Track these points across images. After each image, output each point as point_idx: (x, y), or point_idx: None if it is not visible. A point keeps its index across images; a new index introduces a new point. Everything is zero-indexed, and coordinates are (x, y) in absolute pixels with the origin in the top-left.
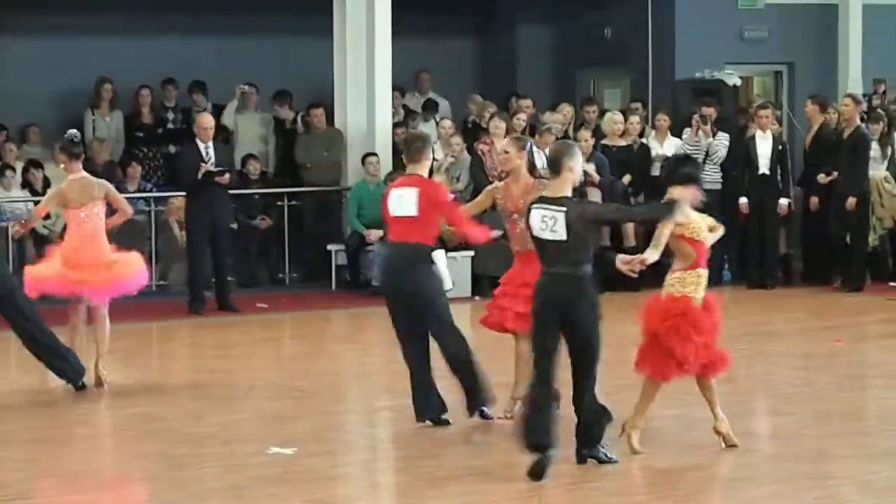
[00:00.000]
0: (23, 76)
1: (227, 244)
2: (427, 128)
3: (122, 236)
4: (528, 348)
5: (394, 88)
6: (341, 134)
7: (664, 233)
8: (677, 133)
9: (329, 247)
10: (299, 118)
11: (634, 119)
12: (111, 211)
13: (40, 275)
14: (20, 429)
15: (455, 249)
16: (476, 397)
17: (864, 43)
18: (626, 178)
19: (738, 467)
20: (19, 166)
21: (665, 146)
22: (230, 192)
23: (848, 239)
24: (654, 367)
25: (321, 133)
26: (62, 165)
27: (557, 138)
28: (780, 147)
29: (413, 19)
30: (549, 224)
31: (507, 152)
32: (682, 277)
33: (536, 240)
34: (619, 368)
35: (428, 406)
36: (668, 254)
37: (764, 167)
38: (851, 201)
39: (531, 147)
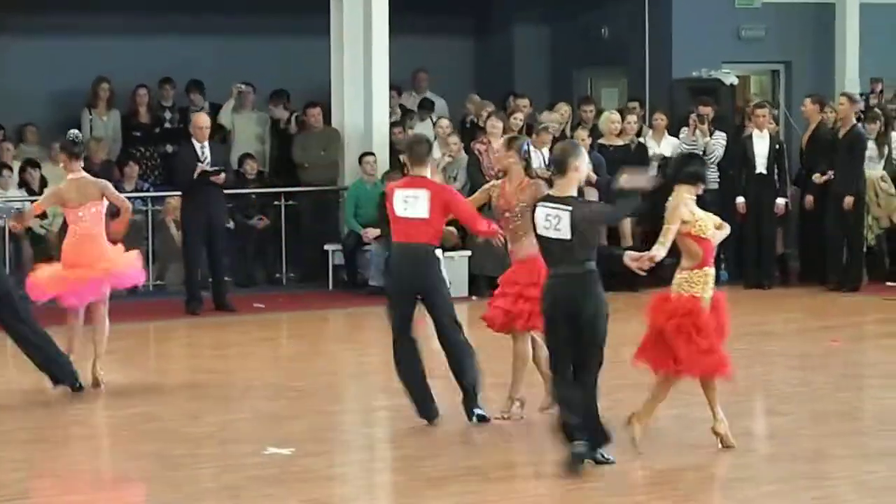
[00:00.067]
0: (20, 75)
1: (223, 244)
2: (423, 127)
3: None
4: (525, 349)
5: (391, 88)
6: (338, 133)
7: (671, 229)
8: (674, 132)
9: (326, 246)
10: (293, 118)
11: (632, 118)
12: (112, 211)
13: (42, 280)
14: (17, 429)
15: (452, 249)
16: (471, 399)
17: (861, 42)
18: None
19: (736, 467)
20: (16, 166)
21: (662, 145)
22: (227, 191)
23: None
24: (653, 360)
25: (318, 132)
26: (62, 165)
27: (555, 138)
28: (777, 146)
29: (410, 19)
30: (554, 223)
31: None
32: (689, 277)
33: (541, 238)
34: (618, 368)
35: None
36: (671, 253)
37: (761, 166)
38: (849, 200)
39: (527, 146)
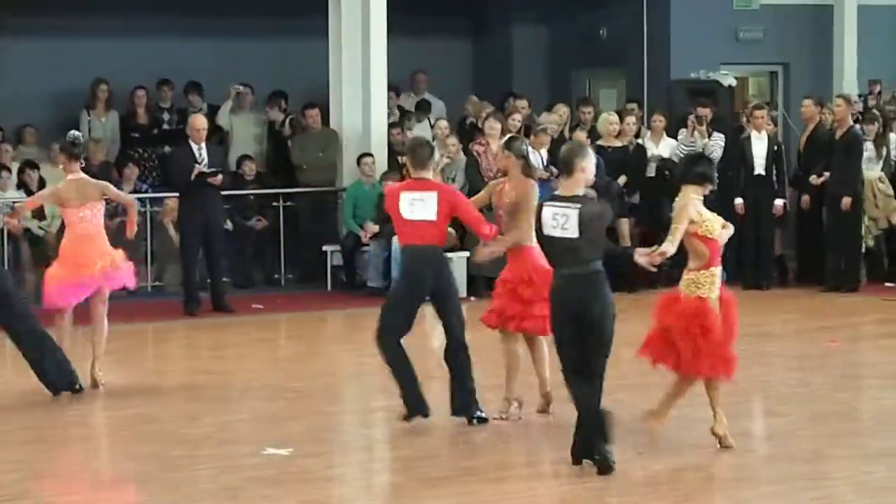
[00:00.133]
0: (19, 77)
1: (220, 245)
2: (421, 128)
3: (118, 236)
4: (514, 349)
5: (389, 89)
6: (336, 134)
7: (679, 229)
8: (673, 134)
9: (325, 247)
10: (287, 121)
11: (630, 120)
12: (111, 212)
13: (52, 288)
14: (16, 429)
15: (451, 250)
16: (468, 404)
17: (860, 44)
18: (622, 179)
19: (735, 468)
20: (15, 167)
21: (661, 147)
22: (225, 192)
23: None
24: (655, 355)
25: (316, 134)
26: (61, 166)
27: (553, 139)
28: (776, 147)
29: (408, 20)
30: (561, 221)
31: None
32: (696, 278)
33: (547, 238)
34: (618, 368)
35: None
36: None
37: (759, 168)
38: (846, 201)
39: (526, 147)
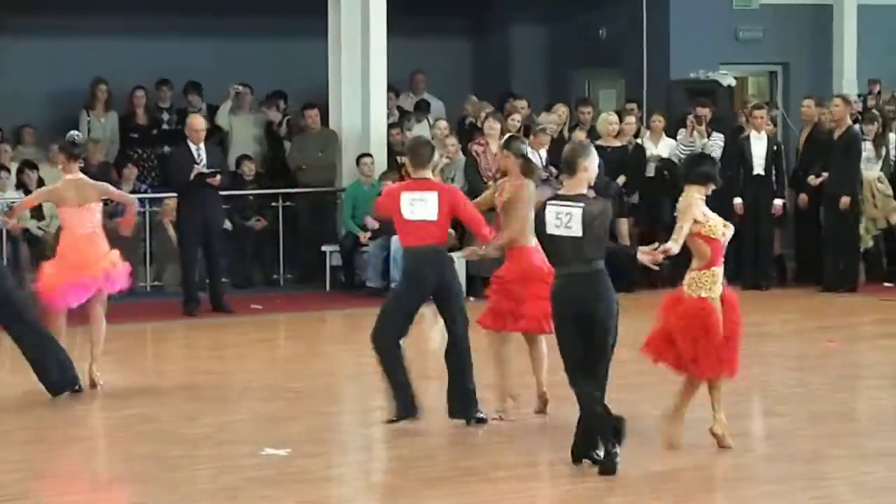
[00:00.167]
0: (18, 77)
1: (219, 245)
2: (420, 128)
3: (118, 236)
4: (499, 349)
5: (388, 89)
6: (336, 135)
7: (683, 228)
8: (672, 134)
9: (324, 248)
10: (284, 121)
11: (629, 120)
12: (110, 211)
13: (53, 289)
14: (15, 429)
15: (451, 250)
16: (468, 405)
17: (859, 43)
18: (621, 179)
19: (735, 468)
20: (14, 167)
21: (660, 147)
22: (225, 192)
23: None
24: (656, 352)
25: (316, 134)
26: (60, 166)
27: (552, 139)
28: (775, 147)
29: (408, 20)
30: (564, 220)
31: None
32: (697, 278)
33: (549, 237)
34: (618, 369)
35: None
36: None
37: (758, 168)
38: (845, 200)
39: (526, 148)
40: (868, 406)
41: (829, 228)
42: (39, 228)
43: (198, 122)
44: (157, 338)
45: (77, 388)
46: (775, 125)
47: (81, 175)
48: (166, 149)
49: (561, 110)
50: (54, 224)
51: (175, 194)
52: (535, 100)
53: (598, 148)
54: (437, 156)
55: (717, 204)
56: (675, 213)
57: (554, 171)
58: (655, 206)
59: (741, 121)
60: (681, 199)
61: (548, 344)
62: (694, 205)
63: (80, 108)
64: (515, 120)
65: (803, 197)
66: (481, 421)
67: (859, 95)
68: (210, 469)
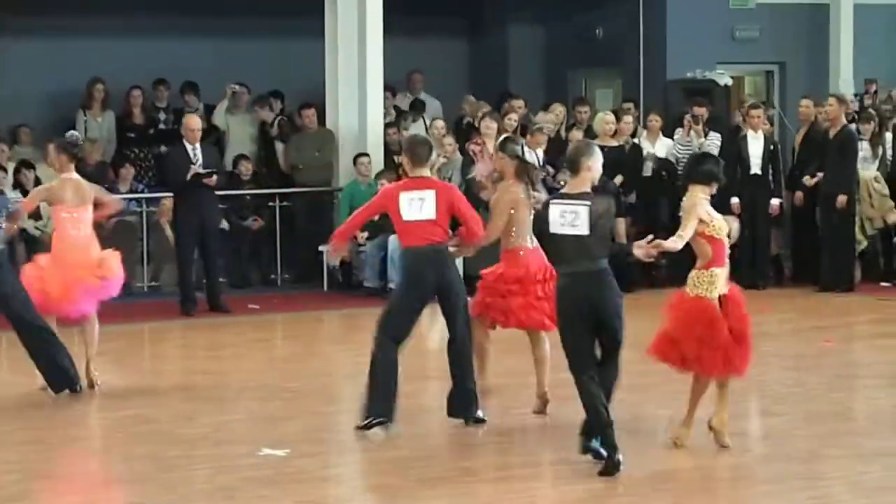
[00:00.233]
0: (14, 76)
1: (216, 245)
2: (416, 128)
3: (115, 236)
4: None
5: (385, 89)
6: (333, 134)
7: (688, 227)
8: (669, 133)
9: (321, 247)
10: (276, 122)
11: (626, 119)
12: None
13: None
14: (12, 430)
15: None
16: (468, 405)
17: (856, 43)
18: (618, 179)
19: (732, 467)
20: (11, 167)
21: (657, 146)
22: (221, 192)
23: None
24: (661, 353)
25: (313, 133)
26: (57, 165)
27: (550, 138)
28: (772, 147)
29: (404, 20)
30: (570, 219)
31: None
32: (697, 277)
33: (554, 237)
34: None
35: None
36: (666, 256)
37: (755, 167)
38: (841, 199)
39: (521, 149)
40: (865, 406)
41: (826, 228)
42: (37, 228)
43: (193, 122)
44: (155, 338)
45: (77, 388)
46: (772, 125)
47: (77, 175)
48: (163, 148)
49: (558, 110)
50: (51, 224)
51: (172, 194)
52: (532, 99)
53: None
54: (434, 155)
55: (715, 203)
56: (680, 213)
57: (551, 170)
58: (653, 205)
59: (738, 120)
60: (685, 198)
61: (549, 343)
62: (699, 204)
63: (77, 107)
64: (512, 119)
65: (799, 195)
66: (480, 421)
67: (856, 95)
68: (207, 469)
